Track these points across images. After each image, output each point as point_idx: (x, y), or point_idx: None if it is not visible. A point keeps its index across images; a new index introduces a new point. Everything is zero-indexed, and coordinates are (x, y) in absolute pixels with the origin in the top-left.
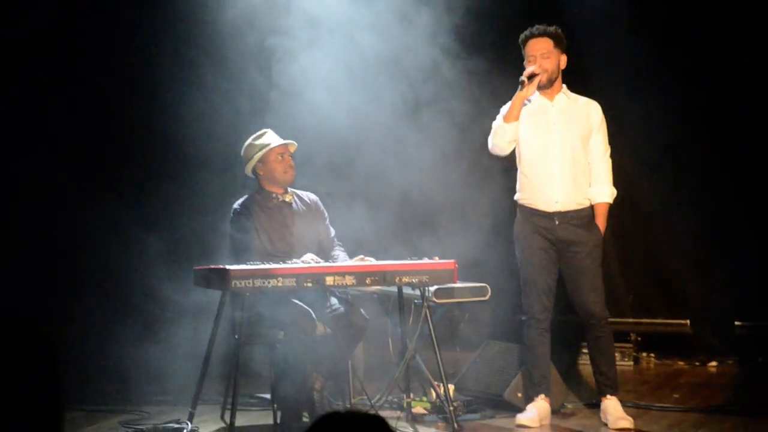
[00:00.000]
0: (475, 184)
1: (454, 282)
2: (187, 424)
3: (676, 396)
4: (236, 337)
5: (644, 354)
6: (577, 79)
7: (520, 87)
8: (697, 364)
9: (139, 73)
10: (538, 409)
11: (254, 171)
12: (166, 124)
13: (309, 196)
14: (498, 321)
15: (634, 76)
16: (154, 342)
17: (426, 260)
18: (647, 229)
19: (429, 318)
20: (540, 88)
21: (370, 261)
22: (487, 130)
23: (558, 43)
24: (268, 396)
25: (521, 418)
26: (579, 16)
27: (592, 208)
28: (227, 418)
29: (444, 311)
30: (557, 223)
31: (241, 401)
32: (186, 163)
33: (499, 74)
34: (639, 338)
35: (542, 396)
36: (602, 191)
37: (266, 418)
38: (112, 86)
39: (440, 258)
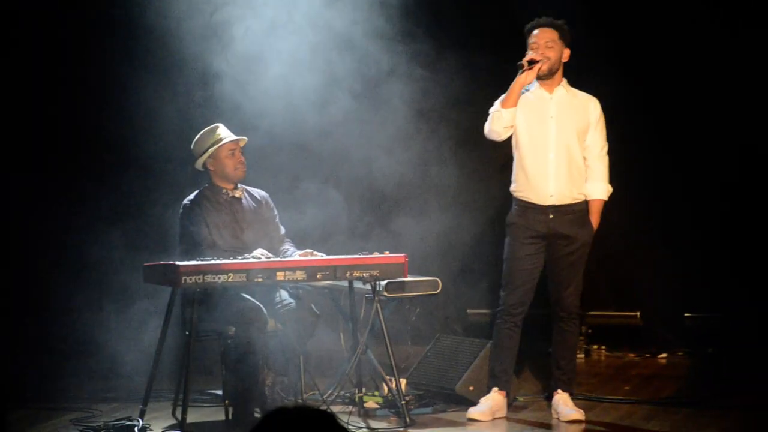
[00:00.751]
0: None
1: (405, 276)
2: (139, 420)
3: (627, 388)
4: (186, 333)
5: (595, 346)
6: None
7: (519, 71)
8: (648, 355)
9: (92, 69)
10: (491, 402)
11: (204, 165)
12: (119, 119)
13: (259, 192)
14: (449, 315)
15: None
16: (105, 338)
17: (376, 254)
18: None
19: (380, 312)
20: (540, 78)
21: (318, 255)
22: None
23: (563, 35)
24: (219, 392)
25: (473, 411)
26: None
27: (586, 203)
28: (179, 415)
29: (395, 305)
30: (551, 216)
31: (192, 397)
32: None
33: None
34: (590, 330)
35: (496, 389)
36: (598, 188)
37: (218, 414)
38: (69, 80)
39: (391, 252)
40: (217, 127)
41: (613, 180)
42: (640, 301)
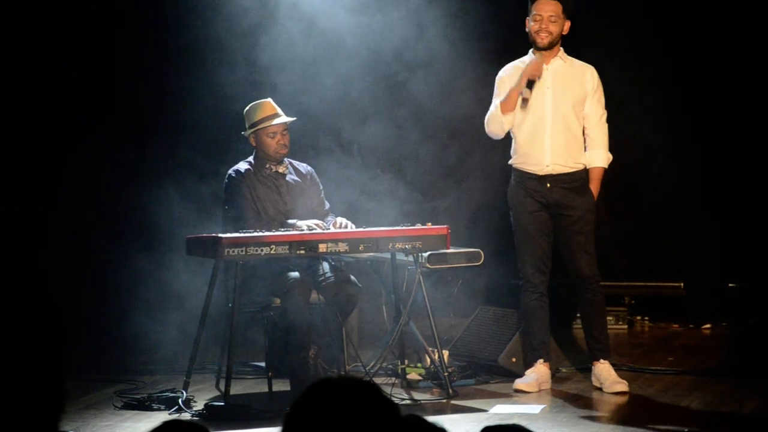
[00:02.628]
0: (468, 148)
1: (447, 248)
2: (183, 393)
3: (670, 359)
4: (230, 305)
5: (638, 317)
6: (571, 45)
7: (521, 100)
8: (691, 326)
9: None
10: (537, 374)
11: (249, 138)
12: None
13: (305, 167)
14: (492, 286)
15: (627, 41)
16: (149, 311)
17: (419, 226)
18: (640, 193)
19: (422, 284)
20: (539, 49)
21: (348, 224)
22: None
23: (566, 8)
24: (262, 364)
25: (520, 383)
26: None
27: (585, 172)
28: (222, 387)
29: (438, 277)
30: (549, 186)
31: (235, 369)
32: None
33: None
34: (633, 301)
35: (541, 361)
36: (597, 155)
37: (261, 386)
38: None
39: (433, 224)
40: (264, 103)
41: (655, 150)
42: (683, 272)
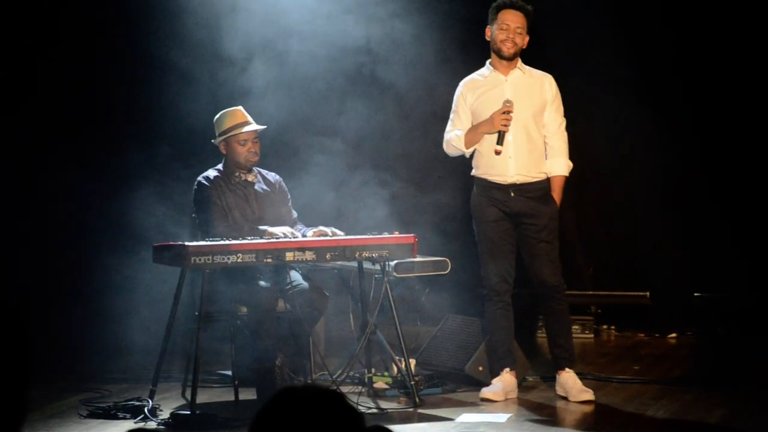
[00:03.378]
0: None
1: (414, 256)
2: (149, 401)
3: (636, 368)
4: (196, 313)
5: (604, 326)
6: (533, 54)
7: (497, 140)
8: (657, 335)
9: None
10: (503, 383)
11: (219, 146)
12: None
13: (273, 176)
14: (459, 295)
15: (588, 48)
16: (115, 319)
17: (386, 234)
18: (607, 202)
19: (389, 292)
20: (503, 58)
21: (328, 231)
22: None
23: (530, 22)
24: (229, 373)
25: (486, 392)
26: None
27: (548, 180)
28: (188, 395)
29: (404, 285)
30: (513, 195)
31: (202, 378)
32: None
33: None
34: (599, 311)
35: (507, 370)
36: (558, 164)
37: (227, 395)
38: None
39: (400, 232)
40: (235, 111)
41: (622, 160)
42: (649, 281)
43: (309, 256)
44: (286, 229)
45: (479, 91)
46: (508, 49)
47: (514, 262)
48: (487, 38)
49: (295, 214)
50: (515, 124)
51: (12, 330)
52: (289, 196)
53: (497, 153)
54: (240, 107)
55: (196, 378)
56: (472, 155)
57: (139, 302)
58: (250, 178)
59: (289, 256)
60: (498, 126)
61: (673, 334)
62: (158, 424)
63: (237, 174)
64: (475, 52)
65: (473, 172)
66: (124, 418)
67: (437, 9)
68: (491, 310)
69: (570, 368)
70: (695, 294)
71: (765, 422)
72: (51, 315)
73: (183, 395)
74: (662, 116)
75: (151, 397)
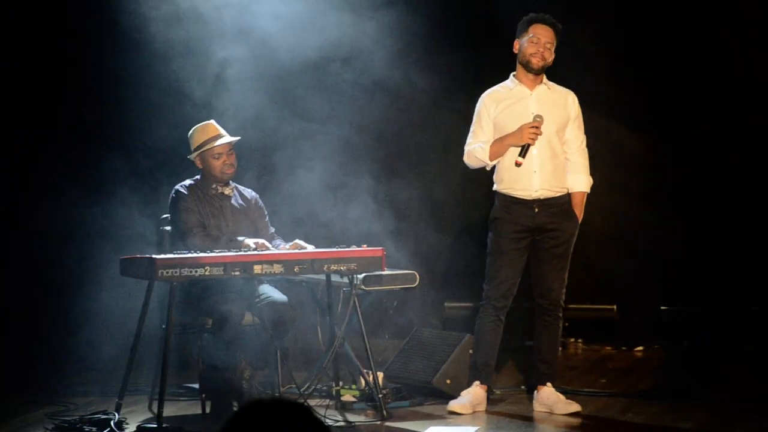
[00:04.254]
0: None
1: (383, 269)
2: (115, 414)
3: (603, 381)
4: (163, 326)
5: (572, 339)
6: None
7: (520, 152)
8: (624, 348)
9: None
10: (472, 396)
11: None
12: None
13: (249, 192)
14: (426, 308)
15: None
16: (81, 332)
17: (354, 248)
18: None
19: (357, 306)
20: (531, 71)
21: (306, 246)
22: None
23: (558, 39)
24: (196, 386)
25: (454, 404)
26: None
27: (568, 195)
28: (155, 408)
29: (372, 299)
30: (536, 210)
31: (169, 391)
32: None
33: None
34: (566, 323)
35: (477, 383)
36: (580, 180)
37: (195, 408)
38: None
39: (368, 245)
40: (208, 125)
41: (591, 173)
42: (616, 294)
43: (277, 269)
44: (261, 241)
45: (503, 104)
46: (537, 62)
47: (519, 280)
48: (515, 51)
49: (272, 229)
50: (540, 139)
51: None
52: (265, 212)
53: (518, 165)
54: (212, 121)
55: (163, 391)
56: (492, 170)
57: (106, 314)
58: (226, 191)
59: (257, 269)
60: (526, 139)
61: (640, 347)
62: None
63: (214, 186)
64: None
65: (495, 187)
66: (90, 431)
67: None
68: (484, 321)
69: (551, 384)
70: (662, 307)
71: None
72: (16, 326)
73: (150, 408)
74: (630, 129)
75: (118, 411)
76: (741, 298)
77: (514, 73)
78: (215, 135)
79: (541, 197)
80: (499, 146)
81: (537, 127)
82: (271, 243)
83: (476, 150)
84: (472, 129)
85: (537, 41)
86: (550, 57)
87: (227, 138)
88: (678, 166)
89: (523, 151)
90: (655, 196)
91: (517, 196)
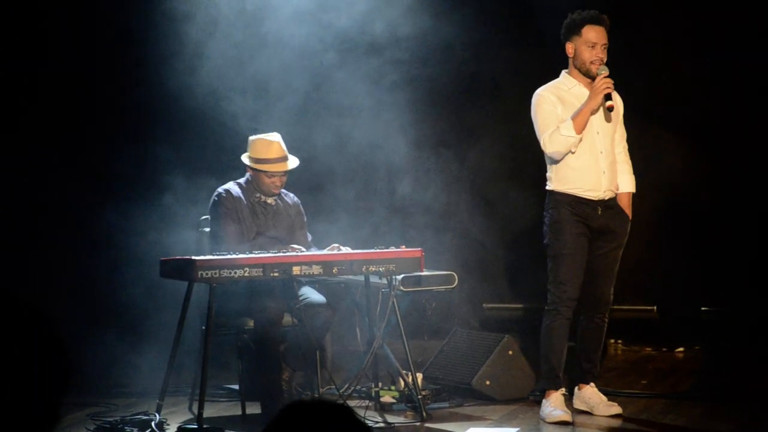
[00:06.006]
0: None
1: (421, 270)
2: (156, 415)
3: (643, 382)
4: (203, 327)
5: (611, 340)
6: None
7: (603, 101)
8: (665, 350)
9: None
10: (558, 403)
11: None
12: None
13: (292, 198)
14: (466, 309)
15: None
16: (123, 334)
17: (393, 249)
18: None
19: (396, 307)
20: (590, 77)
21: (345, 250)
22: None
23: (608, 33)
24: (236, 387)
25: (552, 418)
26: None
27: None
28: (195, 409)
29: (411, 300)
30: (600, 211)
31: (209, 392)
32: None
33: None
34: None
35: (563, 389)
36: (630, 180)
37: (234, 409)
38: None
39: (407, 246)
40: (273, 144)
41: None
42: (656, 295)
43: (316, 270)
44: (294, 247)
45: (568, 104)
46: (597, 68)
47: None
48: (569, 54)
49: (310, 237)
50: (604, 139)
51: (53, 343)
52: (305, 219)
53: (610, 109)
54: (279, 139)
55: (203, 392)
56: (544, 170)
57: (146, 315)
58: (269, 200)
59: (296, 270)
60: (602, 91)
61: (681, 348)
62: None
63: (257, 195)
64: None
65: (554, 187)
66: None
67: None
68: (554, 325)
69: (595, 384)
70: (703, 308)
71: None
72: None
73: (190, 409)
74: (667, 133)
75: (158, 411)
76: None
77: (567, 71)
78: (277, 157)
79: (605, 198)
80: (580, 117)
81: (607, 76)
82: (309, 250)
83: (561, 128)
84: (540, 121)
85: (594, 46)
86: (605, 57)
87: (286, 165)
88: (718, 164)
89: (606, 100)
90: (695, 197)
91: (585, 197)
